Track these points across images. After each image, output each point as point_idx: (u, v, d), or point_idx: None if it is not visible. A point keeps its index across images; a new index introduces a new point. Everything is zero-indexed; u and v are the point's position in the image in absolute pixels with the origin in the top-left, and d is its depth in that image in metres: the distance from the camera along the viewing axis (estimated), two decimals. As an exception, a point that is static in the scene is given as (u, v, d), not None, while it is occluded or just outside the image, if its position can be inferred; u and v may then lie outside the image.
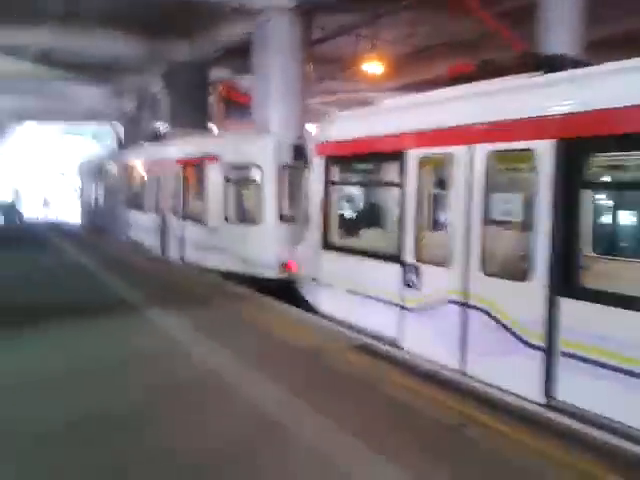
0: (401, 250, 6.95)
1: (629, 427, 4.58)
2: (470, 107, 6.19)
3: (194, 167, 13.24)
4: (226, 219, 12.21)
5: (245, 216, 12.36)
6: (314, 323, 8.05)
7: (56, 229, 25.22)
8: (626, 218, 6.63)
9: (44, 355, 6.57)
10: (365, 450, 4.35)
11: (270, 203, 11.37)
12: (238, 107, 24.92)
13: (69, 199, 44.85)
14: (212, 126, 24.10)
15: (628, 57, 5.05)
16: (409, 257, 6.85)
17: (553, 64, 6.05)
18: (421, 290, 6.67)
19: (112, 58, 24.34)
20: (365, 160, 8.12)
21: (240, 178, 12.37)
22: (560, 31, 9.79)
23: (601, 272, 5.10)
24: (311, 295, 9.05)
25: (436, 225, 7.51)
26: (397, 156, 6.99)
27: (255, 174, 11.65)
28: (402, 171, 6.94)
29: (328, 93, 26.97)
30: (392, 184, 7.49)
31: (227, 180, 12.13)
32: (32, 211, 37.80)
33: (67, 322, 7.90)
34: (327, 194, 8.52)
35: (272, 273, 11.27)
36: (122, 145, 23.62)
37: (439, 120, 6.48)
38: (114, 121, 40.27)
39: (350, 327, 7.75)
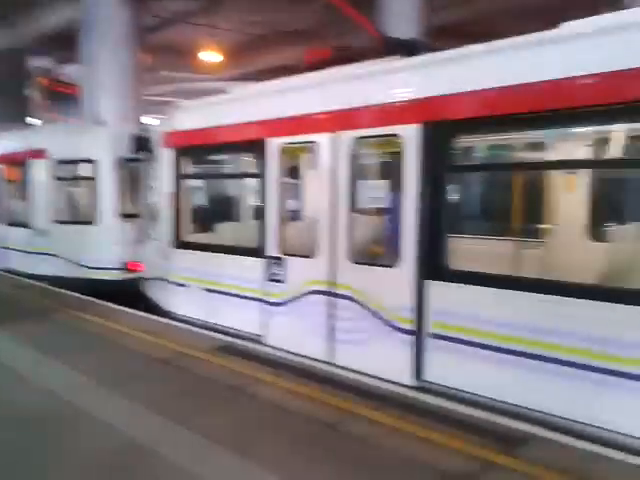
0: (264, 243, 6.56)
1: (500, 402, 4.67)
2: (333, 93, 5.93)
3: (16, 165, 11.65)
4: (57, 220, 10.90)
5: (79, 216, 11.14)
6: (171, 328, 7.38)
7: None
8: (483, 198, 6.88)
9: None
10: (239, 462, 3.94)
11: (107, 200, 10.33)
12: (63, 99, 22.81)
13: None
14: (32, 120, 21.80)
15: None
16: (272, 250, 6.47)
17: (409, 48, 6.02)
18: (286, 283, 6.34)
19: None
20: (220, 150, 7.55)
21: (72, 174, 11.12)
22: (399, 20, 10.00)
23: (465, 253, 5.16)
24: (162, 297, 8.33)
25: (300, 216, 7.21)
26: (256, 145, 6.55)
27: (89, 169, 10.50)
28: (262, 161, 6.53)
29: (166, 83, 25.63)
30: (252, 175, 7.04)
31: (56, 177, 10.82)
32: None
33: None
34: (178, 188, 7.84)
35: (113, 276, 10.30)
36: None
37: (300, 107, 6.14)
38: None
39: (211, 328, 7.22)
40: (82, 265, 10.48)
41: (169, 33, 19.79)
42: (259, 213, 6.69)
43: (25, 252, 11.40)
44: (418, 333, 5.12)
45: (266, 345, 6.53)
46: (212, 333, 6.97)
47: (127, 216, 10.37)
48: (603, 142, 5.99)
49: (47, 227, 10.89)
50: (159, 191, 8.38)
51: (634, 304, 3.95)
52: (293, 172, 6.75)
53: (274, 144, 6.40)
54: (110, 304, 8.74)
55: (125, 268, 10.21)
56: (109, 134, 10.36)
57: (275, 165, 6.41)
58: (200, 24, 19.55)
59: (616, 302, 4.04)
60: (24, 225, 11.38)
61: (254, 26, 19.93)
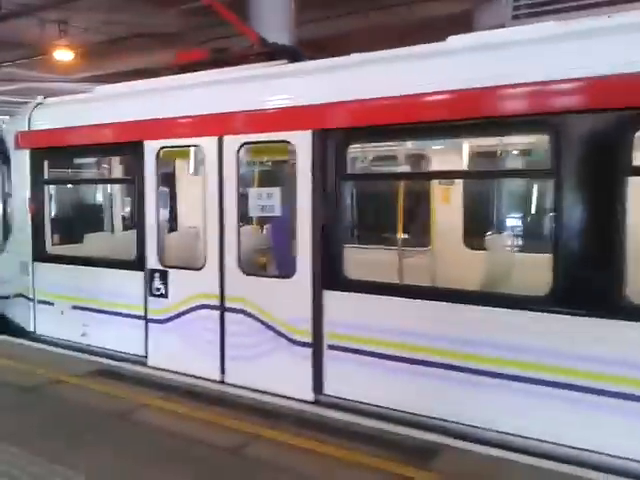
0: (143, 255, 6.00)
1: (398, 412, 4.60)
2: (218, 95, 5.57)
3: None
4: None
5: None
6: (39, 352, 6.49)
7: None
8: (374, 207, 6.87)
9: None
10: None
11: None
12: None
13: None
14: None
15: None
16: (153, 262, 5.94)
17: (292, 55, 5.84)
18: (170, 298, 5.84)
19: None
20: (90, 152, 6.80)
21: None
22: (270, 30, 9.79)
23: (360, 262, 5.06)
24: (24, 317, 7.37)
25: (183, 226, 6.69)
26: (131, 148, 5.98)
27: None
28: (138, 165, 5.97)
29: (8, 80, 23.29)
30: (126, 180, 6.44)
31: None
32: None
33: None
34: (37, 194, 6.97)
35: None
36: None
37: (182, 108, 5.69)
38: None
39: (85, 350, 6.48)
40: None
41: (16, 27, 17.95)
42: (136, 222, 6.12)
43: None
44: (316, 345, 4.93)
45: (150, 366, 5.96)
46: (87, 356, 6.25)
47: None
48: (476, 155, 6.27)
49: None
50: (13, 197, 7.42)
51: (510, 307, 4.08)
52: (173, 178, 6.23)
53: (151, 147, 5.88)
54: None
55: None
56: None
57: (153, 170, 5.89)
58: (51, 20, 18.02)
59: (493, 306, 4.15)
60: None
61: (112, 26, 18.70)
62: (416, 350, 4.46)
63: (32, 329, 7.11)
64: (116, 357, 6.23)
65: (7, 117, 7.97)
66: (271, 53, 5.98)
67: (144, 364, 6.04)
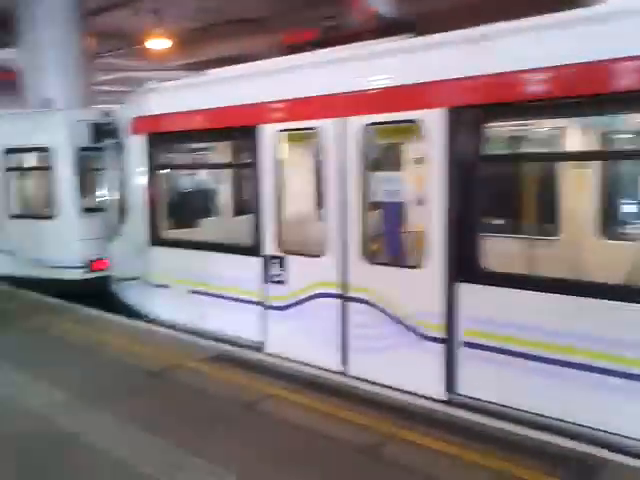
0: (260, 241, 5.82)
1: (539, 416, 4.17)
2: (339, 74, 5.25)
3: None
4: (8, 215, 9.69)
5: (36, 209, 9.97)
6: (156, 335, 6.51)
7: None
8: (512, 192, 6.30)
9: None
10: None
11: (67, 192, 9.22)
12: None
13: None
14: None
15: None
16: (271, 249, 5.75)
17: (411, 27, 5.40)
18: (288, 285, 5.64)
19: None
20: (202, 137, 6.68)
21: (26, 164, 9.93)
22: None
23: (499, 253, 4.63)
24: (140, 299, 7.45)
25: (303, 211, 6.46)
26: (248, 132, 5.80)
27: (46, 158, 9.36)
28: (255, 149, 5.77)
29: (109, 70, 24.02)
30: (243, 165, 6.27)
31: (7, 168, 9.59)
32: None
33: None
34: (153, 179, 6.96)
35: (76, 274, 9.26)
36: None
37: (300, 90, 5.43)
38: None
39: (200, 334, 6.42)
40: (41, 263, 9.36)
41: (113, 18, 18.37)
42: (253, 207, 5.93)
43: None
44: (449, 342, 4.56)
45: (267, 353, 5.81)
46: (203, 340, 6.18)
47: (90, 210, 9.34)
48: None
49: (1, 222, 9.66)
50: (128, 182, 7.46)
51: None
52: (292, 162, 5.98)
53: (269, 131, 5.65)
54: (86, 308, 7.76)
55: (89, 267, 9.20)
56: (66, 119, 9.22)
57: (270, 154, 5.67)
58: (147, 10, 18.31)
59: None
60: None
61: (205, 13, 18.80)
62: (563, 351, 4.00)
63: (148, 312, 7.16)
64: (233, 342, 6.13)
65: (118, 105, 7.95)
66: (389, 27, 5.57)
67: (261, 350, 5.90)
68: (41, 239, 9.39)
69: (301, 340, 5.57)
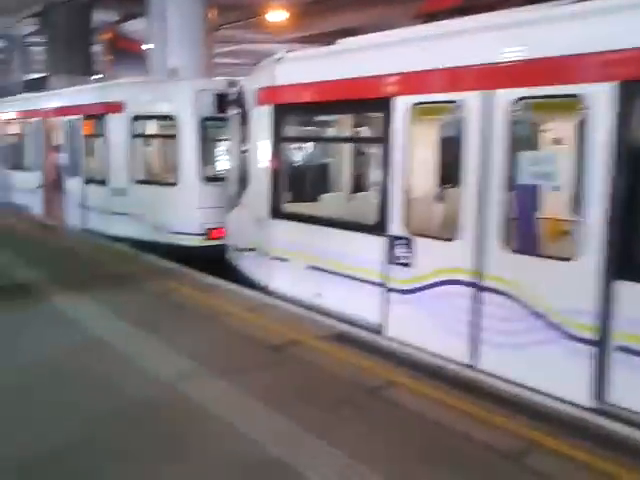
0: (386, 219, 5.53)
1: None
2: (488, 42, 4.79)
3: (94, 118, 10.78)
4: (134, 179, 10.07)
5: (159, 176, 10.31)
6: (274, 308, 6.44)
7: None
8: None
9: None
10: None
11: (190, 161, 9.41)
12: (126, 56, 21.97)
13: None
14: (97, 75, 21.03)
15: None
16: (397, 228, 5.45)
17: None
18: (414, 268, 5.33)
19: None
20: (331, 109, 6.46)
21: (151, 131, 10.25)
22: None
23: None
24: (257, 270, 7.45)
25: (434, 190, 6.11)
26: (379, 104, 5.47)
27: (171, 127, 9.59)
28: (387, 123, 5.45)
29: (226, 42, 24.48)
30: (371, 139, 6.00)
31: (135, 133, 9.94)
32: None
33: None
34: (277, 151, 6.84)
35: (194, 241, 9.49)
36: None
37: (442, 59, 5.01)
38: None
39: (316, 309, 6.30)
40: (161, 228, 9.67)
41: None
42: (380, 183, 5.64)
43: (103, 212, 10.65)
44: (601, 344, 4.07)
45: (386, 336, 5.57)
46: (321, 317, 6.03)
47: (211, 179, 9.50)
48: None
49: (126, 187, 10.08)
50: (251, 154, 7.41)
51: None
52: (427, 137, 5.60)
53: (403, 103, 5.30)
54: (201, 274, 7.89)
55: (207, 234, 9.38)
56: (192, 89, 9.36)
57: (403, 128, 5.32)
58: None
59: None
60: (102, 183, 10.58)
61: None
62: None
63: (265, 284, 7.13)
64: (350, 321, 5.94)
65: (242, 76, 7.89)
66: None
67: (379, 332, 5.66)
68: (163, 205, 9.69)
69: (424, 327, 5.26)
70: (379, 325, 5.71)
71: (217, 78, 9.73)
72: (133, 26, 21.60)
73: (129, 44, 21.32)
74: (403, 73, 5.33)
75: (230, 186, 8.57)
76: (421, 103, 5.21)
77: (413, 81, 5.25)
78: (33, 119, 13.75)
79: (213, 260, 8.90)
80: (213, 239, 9.41)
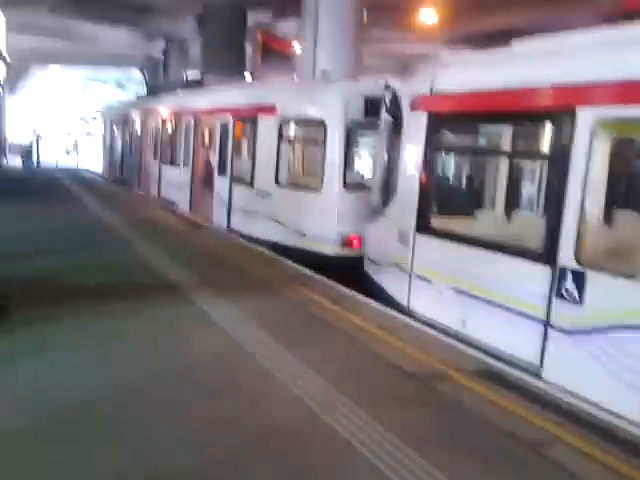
0: (556, 247, 4.91)
1: None
2: None
3: (245, 119, 11.04)
4: (278, 183, 10.15)
5: (302, 181, 10.32)
6: (414, 331, 6.03)
7: (77, 178, 23.25)
8: None
9: (72, 366, 4.73)
10: None
11: (333, 167, 9.26)
12: (275, 55, 22.65)
13: (89, 147, 42.90)
14: (248, 74, 21.88)
15: None
16: (569, 258, 4.80)
17: None
18: (587, 305, 4.66)
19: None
20: (497, 119, 5.94)
21: (299, 135, 10.28)
22: None
23: None
24: (392, 285, 7.11)
25: (620, 217, 5.39)
26: (558, 116, 4.88)
27: (317, 131, 9.53)
28: (565, 137, 4.83)
29: (372, 43, 24.37)
30: (544, 155, 5.39)
31: (282, 137, 10.01)
32: (52, 156, 35.84)
33: (100, 312, 5.98)
34: (429, 162, 6.43)
35: (331, 250, 9.34)
36: (151, 92, 21.39)
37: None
38: (140, 67, 37.96)
39: (456, 336, 5.82)
40: (301, 234, 9.65)
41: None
42: (552, 205, 5.02)
43: (246, 212, 10.89)
44: None
45: (545, 381, 4.94)
46: (465, 347, 5.53)
47: (352, 187, 9.31)
48: None
49: (269, 189, 10.20)
50: (401, 162, 7.06)
51: None
52: (615, 154, 4.89)
53: (588, 115, 4.64)
54: (338, 285, 7.70)
55: (346, 243, 9.20)
56: (341, 92, 9.21)
57: (586, 143, 4.66)
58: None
59: None
60: (248, 184, 10.81)
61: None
62: None
63: (405, 303, 6.75)
64: (499, 357, 5.38)
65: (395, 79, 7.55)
66: None
67: (536, 374, 5.05)
68: (305, 210, 9.65)
69: (596, 376, 4.57)
70: (536, 366, 5.10)
71: (367, 81, 9.47)
72: (284, 27, 22.22)
73: (280, 44, 21.92)
74: (591, 83, 4.66)
75: (374, 195, 8.29)
76: (615, 116, 4.53)
77: (603, 92, 4.57)
78: (186, 117, 14.48)
79: (349, 270, 8.72)
80: (352, 248, 9.22)
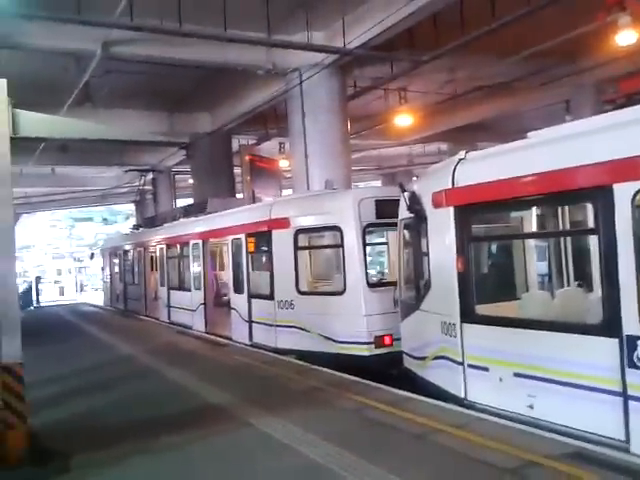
0: (619, 318, 4.93)
1: None
2: None
3: (258, 235, 11.26)
4: (299, 291, 10.18)
5: (323, 285, 10.37)
6: (477, 420, 5.88)
7: (80, 313, 23.01)
8: None
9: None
10: None
11: (355, 268, 9.37)
12: (263, 174, 23.50)
13: (85, 282, 43.04)
14: (240, 195, 22.55)
15: None
16: (633, 326, 4.80)
17: None
18: (660, 372, 4.62)
19: (130, 137, 22.96)
20: (532, 203, 6.15)
21: (315, 243, 10.47)
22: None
23: None
24: (444, 379, 6.96)
25: None
26: (593, 194, 5.10)
27: (334, 237, 9.73)
28: (603, 213, 5.02)
29: (354, 150, 25.51)
30: (581, 231, 5.54)
31: (299, 246, 10.18)
32: (47, 296, 35.75)
33: (160, 449, 5.69)
34: (463, 252, 6.55)
35: (364, 351, 9.22)
36: (147, 223, 21.81)
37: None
38: (130, 201, 38.96)
39: (532, 424, 5.64)
40: (329, 338, 9.56)
41: (361, 101, 19.39)
42: (606, 278, 5.09)
43: (268, 325, 10.80)
44: None
45: (635, 454, 4.78)
46: (546, 433, 5.36)
47: (375, 285, 9.39)
48: None
49: (291, 298, 10.20)
50: (432, 256, 7.18)
51: None
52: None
53: (625, 190, 4.85)
54: (386, 387, 7.52)
55: (377, 342, 9.12)
56: (354, 198, 9.51)
57: (628, 217, 4.83)
58: (394, 89, 19.05)
59: None
60: (267, 296, 10.81)
61: (450, 85, 18.93)
62: None
63: (462, 395, 6.59)
64: (574, 436, 5.22)
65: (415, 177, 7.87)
66: None
67: (625, 450, 4.88)
68: (330, 314, 9.62)
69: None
70: (621, 441, 4.94)
71: (375, 185, 9.85)
72: (267, 146, 23.27)
73: (266, 163, 22.81)
74: (624, 160, 4.89)
75: (404, 291, 8.34)
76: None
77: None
78: (194, 242, 14.70)
79: (384, 369, 8.57)
80: (382, 346, 9.14)
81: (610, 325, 4.99)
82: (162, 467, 5.31)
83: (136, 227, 23.73)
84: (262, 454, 5.44)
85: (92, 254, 29.57)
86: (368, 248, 9.62)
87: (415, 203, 7.53)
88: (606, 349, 5.01)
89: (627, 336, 4.85)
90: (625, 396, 4.89)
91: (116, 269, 23.79)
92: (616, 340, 4.93)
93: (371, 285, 9.36)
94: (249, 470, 5.11)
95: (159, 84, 17.03)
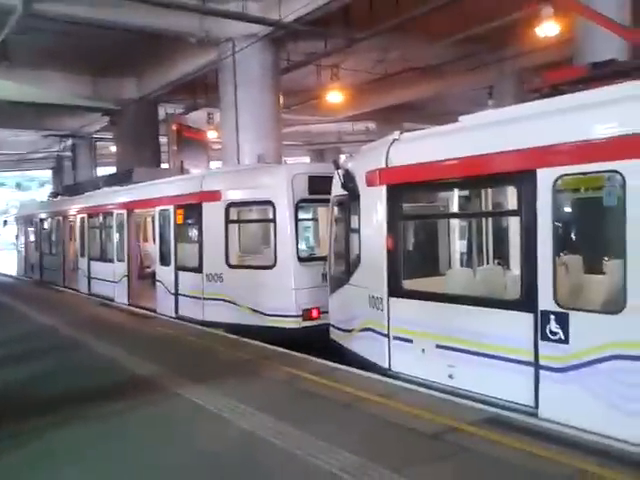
0: (532, 294, 5.30)
1: None
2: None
3: (188, 207, 11.07)
4: (229, 265, 10.16)
5: (255, 259, 10.38)
6: (408, 393, 6.12)
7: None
8: None
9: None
10: None
11: (286, 243, 9.46)
12: (191, 144, 22.95)
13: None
14: (165, 165, 21.95)
15: None
16: (547, 303, 5.20)
17: None
18: (570, 344, 5.04)
19: (49, 100, 21.72)
20: (456, 185, 6.44)
21: (247, 217, 10.44)
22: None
23: None
24: (369, 350, 7.24)
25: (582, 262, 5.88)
26: (518, 178, 5.42)
27: (266, 211, 9.75)
28: (525, 197, 5.36)
29: (287, 125, 25.38)
30: (504, 212, 5.87)
31: (230, 220, 10.11)
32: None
33: (89, 418, 5.60)
34: (393, 230, 6.78)
35: (293, 323, 9.38)
36: (67, 191, 20.81)
37: (596, 131, 4.91)
38: (47, 168, 36.97)
39: (446, 391, 6.00)
40: (259, 311, 9.64)
41: (294, 75, 19.32)
42: (526, 258, 5.45)
43: (196, 298, 10.71)
44: None
45: (542, 419, 5.20)
46: (464, 401, 5.72)
47: (305, 260, 9.53)
48: None
49: (220, 271, 10.16)
50: (363, 233, 7.38)
51: None
52: (579, 208, 5.43)
53: (547, 175, 5.18)
54: (313, 358, 7.72)
55: (305, 315, 9.31)
56: (287, 173, 9.55)
57: (549, 201, 5.18)
58: (326, 65, 19.08)
59: None
60: (195, 269, 10.70)
61: (381, 65, 19.20)
62: None
63: (386, 365, 6.88)
64: (490, 403, 5.61)
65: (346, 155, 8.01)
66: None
67: (533, 415, 5.30)
68: (259, 288, 9.69)
69: (588, 406, 4.90)
70: (530, 407, 5.37)
71: (308, 162, 9.94)
72: (193, 116, 22.72)
73: (194, 134, 22.27)
74: (549, 145, 5.20)
75: (334, 266, 8.52)
76: (567, 175, 5.09)
77: (560, 152, 5.11)
78: (117, 212, 14.24)
79: (311, 341, 8.77)
80: (310, 319, 9.35)
81: (526, 301, 5.36)
82: (89, 433, 5.24)
83: (54, 195, 22.58)
84: (195, 423, 5.50)
85: (5, 221, 27.87)
86: (299, 223, 9.68)
87: (349, 181, 7.67)
88: (522, 323, 5.38)
89: (542, 311, 5.23)
90: (537, 366, 5.30)
91: (32, 238, 22.63)
92: (531, 315, 5.31)
93: (301, 260, 9.48)
94: (183, 435, 5.18)
95: (84, 46, 16.16)
